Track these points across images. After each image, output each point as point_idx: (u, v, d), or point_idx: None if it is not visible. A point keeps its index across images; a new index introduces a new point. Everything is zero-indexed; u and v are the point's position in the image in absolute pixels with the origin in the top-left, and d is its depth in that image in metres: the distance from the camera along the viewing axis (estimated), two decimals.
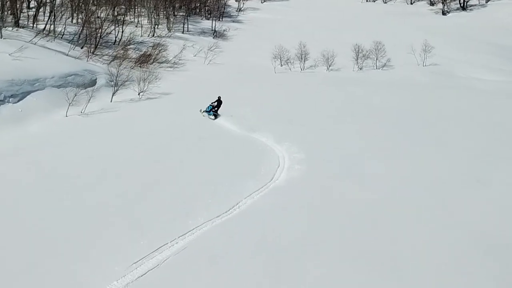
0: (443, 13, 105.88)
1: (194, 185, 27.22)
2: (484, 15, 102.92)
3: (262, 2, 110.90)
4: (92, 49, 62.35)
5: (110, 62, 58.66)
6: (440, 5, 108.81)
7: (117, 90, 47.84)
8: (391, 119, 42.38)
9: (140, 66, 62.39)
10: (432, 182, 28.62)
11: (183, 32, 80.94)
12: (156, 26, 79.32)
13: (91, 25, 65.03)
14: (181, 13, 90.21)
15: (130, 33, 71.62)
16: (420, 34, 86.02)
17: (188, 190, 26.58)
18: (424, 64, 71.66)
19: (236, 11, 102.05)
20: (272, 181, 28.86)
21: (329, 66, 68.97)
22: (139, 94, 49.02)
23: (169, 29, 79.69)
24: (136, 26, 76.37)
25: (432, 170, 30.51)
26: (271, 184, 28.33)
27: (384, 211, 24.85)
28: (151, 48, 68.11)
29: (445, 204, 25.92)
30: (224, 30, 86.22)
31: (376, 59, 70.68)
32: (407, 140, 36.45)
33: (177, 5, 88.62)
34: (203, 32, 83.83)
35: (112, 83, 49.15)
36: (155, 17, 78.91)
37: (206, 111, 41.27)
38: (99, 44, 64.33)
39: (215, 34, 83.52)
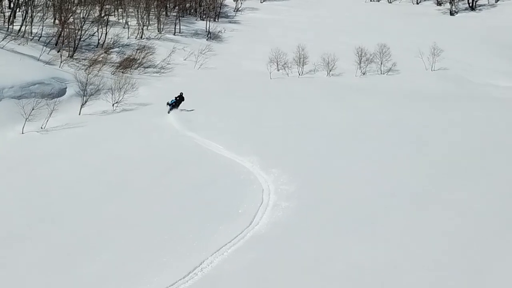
0: (451, 13, 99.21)
1: (148, 236, 20.88)
2: (494, 15, 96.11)
3: (261, 2, 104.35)
4: (70, 53, 56.16)
5: (88, 67, 52.37)
6: (447, 5, 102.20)
7: (86, 101, 41.61)
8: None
9: (122, 72, 56.11)
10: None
11: (174, 34, 74.54)
12: (146, 27, 73.01)
13: (70, 26, 58.72)
14: (174, 14, 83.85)
15: (116, 35, 65.38)
16: (427, 36, 79.32)
17: (138, 245, 20.24)
18: (433, 69, 65.14)
19: (234, 11, 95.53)
20: (251, 226, 22.52)
21: (330, 70, 62.55)
22: (113, 106, 42.75)
23: (159, 31, 73.33)
24: (124, 27, 70.04)
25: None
26: (249, 232, 21.97)
27: None
28: (137, 51, 61.81)
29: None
30: (219, 32, 79.79)
31: (381, 63, 64.20)
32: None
33: (169, 5, 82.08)
34: (196, 34, 77.41)
35: (85, 92, 42.94)
36: (144, 17, 72.52)
37: (168, 104, 41.80)
38: (78, 47, 58.16)
39: (209, 35, 77.12)
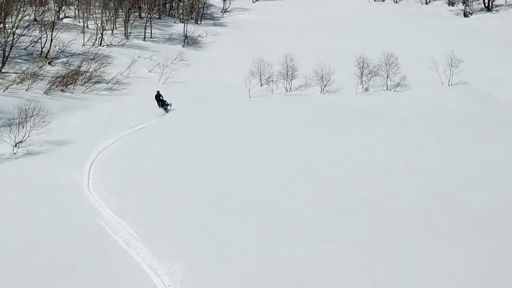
0: (465, 15, 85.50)
1: None
2: None
3: (253, 2, 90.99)
4: None
5: (8, 86, 39.36)
6: (460, 5, 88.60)
7: None
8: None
9: (62, 90, 43.05)
10: None
11: (144, 39, 61.31)
12: (111, 32, 59.89)
13: None
14: (153, 15, 70.62)
15: (68, 41, 52.31)
16: (441, 41, 65.93)
17: None
18: (450, 83, 51.75)
19: (221, 12, 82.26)
20: None
21: (325, 86, 49.21)
22: (14, 147, 29.62)
23: (126, 36, 60.12)
24: (82, 32, 56.92)
25: None
26: None
27: None
28: (88, 62, 48.62)
29: None
30: (199, 36, 66.56)
31: (387, 77, 50.79)
32: None
33: (143, 5, 68.66)
34: (171, 39, 64.08)
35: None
36: (105, 19, 59.28)
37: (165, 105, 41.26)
38: (10, 58, 45.10)
39: (186, 41, 63.84)
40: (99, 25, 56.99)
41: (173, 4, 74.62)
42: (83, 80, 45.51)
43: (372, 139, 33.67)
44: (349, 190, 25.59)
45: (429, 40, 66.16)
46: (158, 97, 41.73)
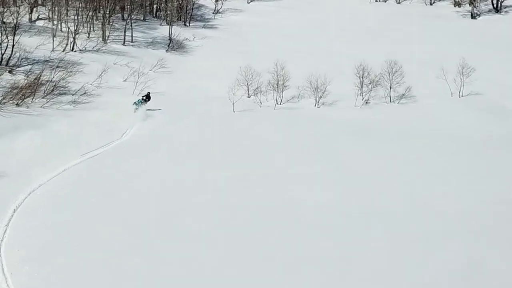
0: (472, 16, 78.86)
1: None
2: None
3: (248, 2, 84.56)
4: None
5: None
6: (467, 6, 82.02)
7: None
8: None
9: (17, 104, 36.78)
10: None
11: (124, 43, 54.90)
12: (87, 35, 53.56)
13: None
14: (137, 17, 64.31)
15: (37, 46, 46.11)
16: (448, 46, 59.57)
17: None
18: (461, 94, 45.34)
19: (213, 13, 75.82)
20: None
21: (320, 98, 42.81)
22: None
23: (104, 39, 53.75)
24: (54, 36, 50.60)
25: None
26: None
27: None
28: (55, 70, 42.36)
29: None
30: (185, 40, 60.16)
31: (390, 88, 44.34)
32: None
33: (128, 6, 62.11)
34: (154, 43, 57.67)
35: None
36: (83, 21, 53.02)
37: (135, 103, 39.24)
38: None
39: (170, 45, 57.42)
40: (73, 27, 50.56)
41: (161, 5, 67.97)
42: (45, 92, 39.22)
43: (372, 169, 27.39)
44: (339, 250, 19.30)
45: (436, 45, 59.68)
46: (146, 99, 40.13)
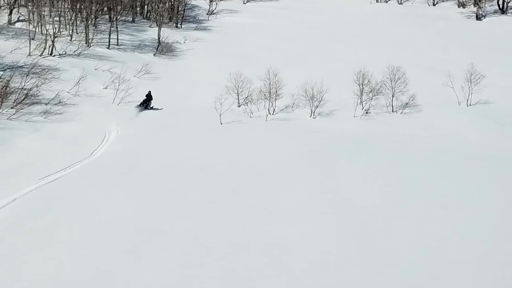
0: (477, 18, 74.77)
1: None
2: None
3: (244, 3, 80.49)
4: None
5: None
6: (472, 7, 77.84)
7: None
8: None
9: None
10: None
11: (108, 47, 50.95)
12: (70, 38, 49.67)
13: None
14: (126, 18, 60.42)
15: (12, 50, 42.29)
16: (454, 50, 55.84)
17: None
18: (469, 103, 41.39)
19: (207, 14, 71.80)
20: None
21: (316, 107, 38.83)
22: None
23: (87, 43, 49.81)
24: (33, 38, 46.71)
25: None
26: None
27: None
28: (27, 77, 38.46)
29: None
30: (175, 43, 56.18)
31: (392, 96, 40.34)
32: None
33: (116, 7, 58.05)
34: (141, 46, 53.72)
35: None
36: (67, 23, 49.10)
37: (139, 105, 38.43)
38: None
39: (158, 48, 53.46)
40: (54, 30, 46.63)
41: (153, 5, 63.87)
42: (15, 101, 35.28)
43: (373, 200, 23.31)
44: None
45: (441, 48, 55.83)
46: (148, 98, 39.23)
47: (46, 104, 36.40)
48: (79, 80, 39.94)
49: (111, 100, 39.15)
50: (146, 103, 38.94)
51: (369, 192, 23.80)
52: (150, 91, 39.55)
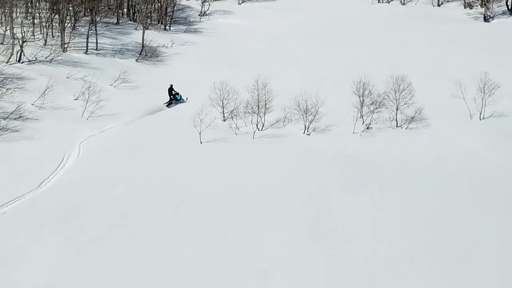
0: (485, 19, 69.68)
1: None
2: None
3: (239, 3, 75.59)
4: None
5: None
6: (479, 8, 72.79)
7: None
8: None
9: None
10: None
11: (86, 52, 46.05)
12: (44, 42, 44.82)
13: None
14: (110, 20, 55.60)
15: None
16: (462, 54, 50.72)
17: None
18: (483, 116, 36.44)
19: (199, 15, 66.92)
20: None
21: (310, 122, 33.88)
22: None
23: (62, 47, 44.93)
24: (1, 43, 41.94)
25: None
26: None
27: None
28: None
29: None
30: (161, 47, 51.23)
31: (397, 109, 35.37)
32: None
33: (98, 7, 53.02)
34: (123, 51, 48.77)
35: None
36: (44, 26, 44.19)
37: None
38: None
39: (142, 53, 48.56)
40: (23, 33, 41.84)
41: (138, 6, 58.85)
42: None
43: (375, 250, 18.46)
44: None
45: (448, 52, 50.78)
46: (170, 91, 38.95)
47: (4, 119, 31.64)
48: (45, 90, 35.10)
49: (80, 114, 34.33)
50: (173, 97, 38.65)
51: (370, 235, 19.01)
52: (172, 85, 39.28)
